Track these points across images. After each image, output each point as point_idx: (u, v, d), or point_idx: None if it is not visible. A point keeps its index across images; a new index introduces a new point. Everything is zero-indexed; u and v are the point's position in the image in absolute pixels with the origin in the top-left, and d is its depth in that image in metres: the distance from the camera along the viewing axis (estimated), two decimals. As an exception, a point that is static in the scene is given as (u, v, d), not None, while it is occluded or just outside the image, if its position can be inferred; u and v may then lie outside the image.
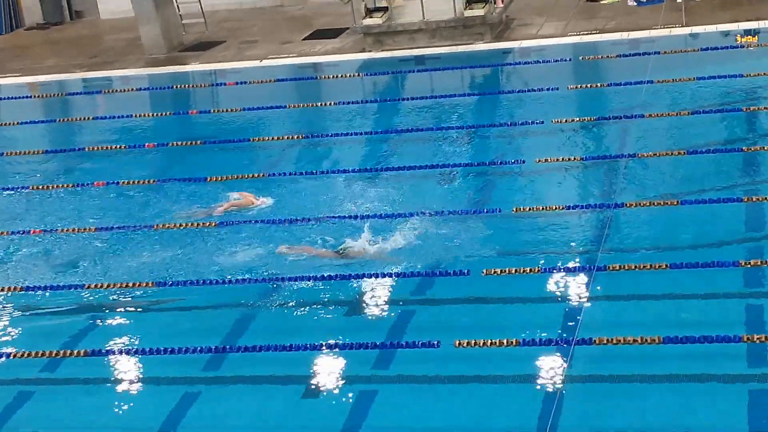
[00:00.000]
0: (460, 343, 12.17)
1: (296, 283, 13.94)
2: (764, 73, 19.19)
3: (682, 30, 22.58)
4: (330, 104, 21.11)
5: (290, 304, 13.59)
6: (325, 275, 13.97)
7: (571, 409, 10.99)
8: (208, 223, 15.92)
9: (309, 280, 13.93)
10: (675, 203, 14.81)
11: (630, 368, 11.55)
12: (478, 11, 23.70)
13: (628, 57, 21.57)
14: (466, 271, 13.71)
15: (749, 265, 13.03)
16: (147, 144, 19.77)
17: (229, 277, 14.26)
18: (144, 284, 14.30)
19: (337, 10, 26.38)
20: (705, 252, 13.48)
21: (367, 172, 17.38)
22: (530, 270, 13.55)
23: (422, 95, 20.91)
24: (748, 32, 21.69)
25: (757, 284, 12.83)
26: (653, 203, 14.88)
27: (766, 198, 14.68)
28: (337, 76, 22.80)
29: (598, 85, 20.25)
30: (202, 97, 23.60)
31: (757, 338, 11.59)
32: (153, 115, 21.88)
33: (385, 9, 24.53)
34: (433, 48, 23.74)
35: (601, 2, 25.77)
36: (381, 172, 17.37)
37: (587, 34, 23.29)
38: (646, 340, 11.75)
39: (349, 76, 22.79)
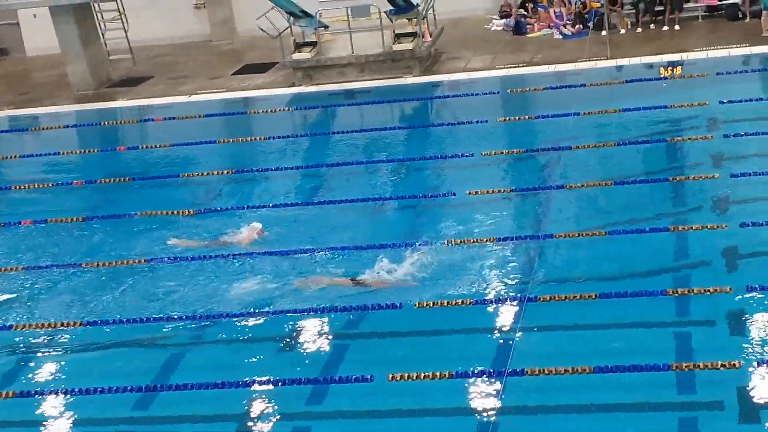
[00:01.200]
0: (393, 377, 12.16)
1: (227, 320, 13.85)
2: (688, 104, 19.55)
3: (607, 62, 22.95)
4: (260, 139, 21.10)
5: (221, 341, 13.50)
6: (255, 311, 13.91)
7: (504, 441, 11.05)
8: (137, 260, 15.76)
9: (240, 317, 13.85)
10: (603, 234, 14.97)
11: (562, 398, 11.61)
12: (406, 45, 23.89)
13: (555, 89, 21.86)
14: (398, 304, 13.72)
15: (677, 294, 13.21)
16: (75, 181, 19.56)
17: (160, 314, 14.11)
18: (73, 324, 14.10)
19: (267, 44, 26.40)
20: (633, 281, 13.64)
21: (298, 206, 17.35)
22: (462, 302, 13.60)
23: (353, 129, 20.97)
24: (671, 64, 22.10)
25: (685, 313, 13.00)
26: (582, 234, 15.04)
27: (692, 227, 14.90)
28: (267, 111, 22.80)
29: (527, 117, 20.49)
30: (130, 133, 23.43)
31: (686, 366, 11.74)
32: (81, 151, 21.70)
33: (314, 44, 24.63)
34: (362, 82, 23.87)
35: (528, 36, 26.13)
36: (312, 206, 17.34)
37: (515, 67, 23.56)
38: (578, 370, 11.84)
39: (279, 110, 22.80)
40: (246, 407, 12.07)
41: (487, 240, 15.23)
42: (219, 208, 17.56)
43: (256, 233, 16.08)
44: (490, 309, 13.47)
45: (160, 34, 29.64)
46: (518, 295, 13.59)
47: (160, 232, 16.77)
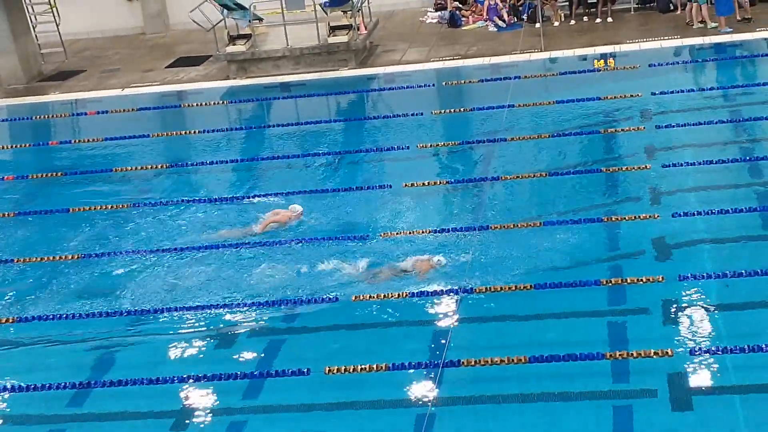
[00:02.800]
0: (330, 370, 12.17)
1: (161, 314, 13.75)
2: (621, 96, 19.73)
3: (540, 55, 23.09)
4: (195, 132, 20.93)
5: (155, 336, 13.39)
6: (191, 305, 13.83)
7: (441, 431, 11.08)
8: (71, 256, 15.58)
9: (174, 311, 13.75)
10: (538, 224, 15.08)
11: (498, 388, 11.70)
12: (341, 38, 23.83)
13: (490, 81, 21.94)
14: (335, 298, 13.72)
15: (611, 284, 13.35)
16: (6, 176, 19.27)
17: (93, 311, 13.98)
18: (4, 320, 13.90)
19: (201, 37, 26.19)
20: (568, 272, 13.75)
21: (235, 200, 17.26)
22: (399, 295, 13.63)
23: (288, 122, 20.86)
24: (604, 56, 22.29)
25: (619, 302, 13.13)
26: (517, 225, 15.12)
27: (625, 218, 15.05)
28: (201, 104, 22.61)
29: (462, 109, 20.55)
30: (62, 128, 23.12)
31: (620, 355, 11.87)
32: (12, 146, 21.35)
33: (248, 36, 24.48)
34: (297, 75, 23.78)
35: (463, 28, 26.21)
36: (247, 199, 17.25)
37: (450, 59, 23.62)
38: (513, 360, 11.92)
39: (214, 103, 22.63)
40: (181, 403, 12.00)
41: (422, 232, 15.26)
42: (154, 203, 17.38)
43: (295, 216, 16.02)
44: (426, 301, 13.51)
45: (92, 27, 29.28)
46: (454, 286, 13.64)
47: (93, 226, 16.59)
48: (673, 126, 18.09)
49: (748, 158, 16.64)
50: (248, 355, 12.90)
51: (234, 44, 24.21)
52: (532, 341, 12.47)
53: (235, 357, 12.89)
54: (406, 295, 13.61)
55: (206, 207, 17.03)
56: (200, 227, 16.24)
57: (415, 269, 14.11)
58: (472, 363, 12.00)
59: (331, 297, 13.73)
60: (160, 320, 13.67)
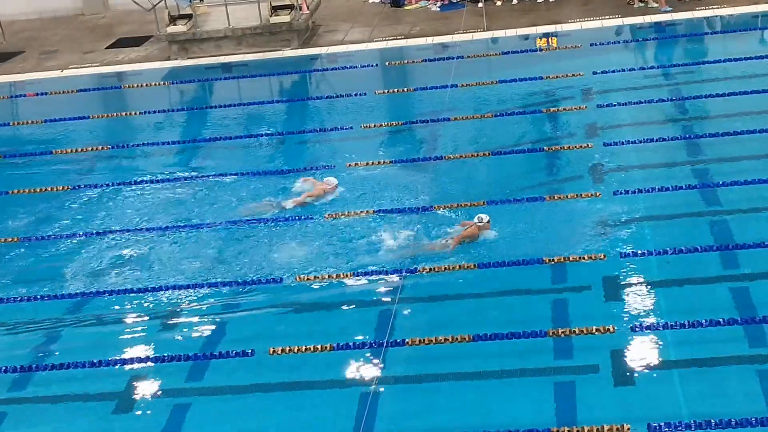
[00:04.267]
0: (274, 351, 12.15)
1: (103, 297, 13.64)
2: (563, 75, 19.83)
3: (483, 34, 23.12)
4: (135, 114, 20.73)
5: (97, 319, 13.28)
6: (133, 288, 13.73)
7: (387, 410, 11.12)
8: (11, 239, 15.43)
9: (116, 294, 13.65)
10: (482, 204, 15.12)
11: (443, 367, 11.74)
12: (283, 18, 23.69)
13: (433, 62, 21.94)
14: (279, 279, 13.68)
15: (553, 262, 13.44)
16: (-58, 159, 19.00)
17: (32, 294, 13.83)
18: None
19: (141, 18, 25.89)
20: (511, 250, 13.82)
21: (177, 181, 17.12)
22: (343, 275, 13.64)
23: (230, 103, 20.70)
24: (546, 36, 22.37)
25: (561, 280, 13.22)
26: (460, 205, 15.16)
27: (567, 196, 15.15)
28: (142, 85, 22.38)
29: (405, 89, 20.54)
30: (1, 110, 22.74)
31: (562, 332, 11.97)
32: (-51, 129, 21.01)
33: (189, 16, 24.23)
34: (240, 55, 23.59)
35: (406, 8, 26.14)
36: (190, 180, 17.12)
37: (393, 39, 23.57)
38: (457, 339, 11.98)
39: (155, 84, 22.40)
40: (125, 385, 11.92)
41: (366, 212, 15.25)
42: (94, 185, 17.19)
43: (330, 188, 15.96)
44: (370, 281, 13.52)
45: (29, 8, 28.76)
46: (398, 266, 13.66)
47: (33, 209, 16.39)
48: (615, 105, 18.22)
49: (688, 136, 16.81)
50: (192, 337, 12.82)
51: (175, 24, 23.95)
52: (475, 320, 12.52)
53: (178, 339, 12.82)
54: (350, 275, 13.62)
55: (145, 187, 16.88)
56: (144, 209, 16.12)
57: (465, 237, 14.09)
58: (416, 342, 12.05)
59: (274, 278, 13.70)
60: (103, 303, 13.57)
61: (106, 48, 25.36)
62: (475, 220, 14.20)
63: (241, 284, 13.71)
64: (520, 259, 13.49)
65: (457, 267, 13.50)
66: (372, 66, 22.20)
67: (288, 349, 12.14)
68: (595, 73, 19.76)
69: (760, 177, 14.94)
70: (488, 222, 14.18)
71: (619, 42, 21.88)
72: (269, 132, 19.06)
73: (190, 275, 14.05)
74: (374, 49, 23.14)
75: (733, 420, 10.31)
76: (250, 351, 12.20)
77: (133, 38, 25.80)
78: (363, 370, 11.84)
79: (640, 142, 16.63)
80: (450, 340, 11.99)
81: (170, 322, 13.20)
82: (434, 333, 12.13)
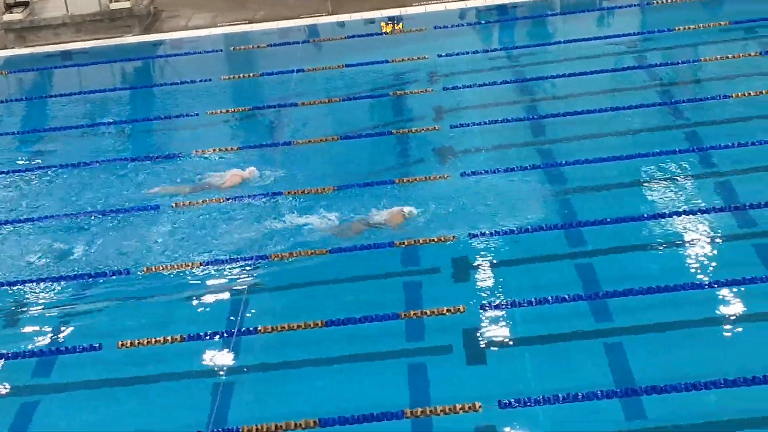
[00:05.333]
0: (123, 344, 11.93)
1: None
2: (408, 59, 19.93)
3: (328, 18, 23.06)
4: (-30, 104, 20.05)
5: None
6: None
7: (240, 399, 11.04)
8: None
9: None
10: (332, 189, 15.10)
11: (296, 354, 11.70)
12: (124, 3, 23.17)
13: (278, 46, 21.79)
14: (125, 271, 13.41)
15: (404, 245, 13.51)
16: None
17: None
18: None
19: (-26, 5, 24.97)
20: (362, 235, 13.84)
21: (18, 173, 16.62)
22: (191, 264, 13.44)
23: (72, 92, 20.15)
24: (391, 19, 22.45)
25: (412, 262, 13.31)
26: (310, 191, 15.10)
27: (416, 179, 15.25)
28: (-24, 75, 21.65)
29: (251, 75, 20.33)
30: None
31: (414, 314, 12.06)
32: None
33: (26, 4, 23.49)
34: (79, 42, 22.99)
35: (249, -8, 25.91)
36: (31, 171, 16.63)
37: (237, 24, 23.33)
38: (310, 325, 11.95)
39: (-9, 74, 21.70)
40: (-34, 387, 11.54)
41: (216, 200, 15.07)
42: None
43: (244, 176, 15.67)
44: (219, 269, 13.37)
45: None
46: (249, 254, 13.54)
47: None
48: (460, 87, 18.42)
49: (532, 117, 17.10)
50: (37, 333, 12.47)
51: (11, 12, 23.19)
52: (328, 305, 12.50)
53: (23, 335, 12.46)
54: (200, 264, 13.44)
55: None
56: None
57: (388, 222, 13.96)
58: (269, 330, 11.98)
59: (121, 270, 13.42)
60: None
61: (-62, 37, 24.41)
62: (405, 211, 14.17)
63: (87, 277, 13.38)
64: (372, 243, 13.53)
65: (310, 252, 13.45)
66: (216, 51, 21.92)
67: (137, 342, 11.93)
68: (440, 56, 19.93)
69: (600, 155, 15.32)
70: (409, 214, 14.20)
71: (463, 25, 22.10)
72: (113, 120, 18.64)
73: (33, 269, 13.66)
74: (218, 34, 22.85)
75: (580, 394, 10.56)
76: (98, 345, 11.95)
77: (-34, 26, 24.88)
78: (215, 360, 11.72)
79: (486, 123, 16.85)
80: (303, 326, 11.95)
81: (14, 318, 12.82)
82: (287, 320, 12.08)
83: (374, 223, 14.10)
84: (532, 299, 12.11)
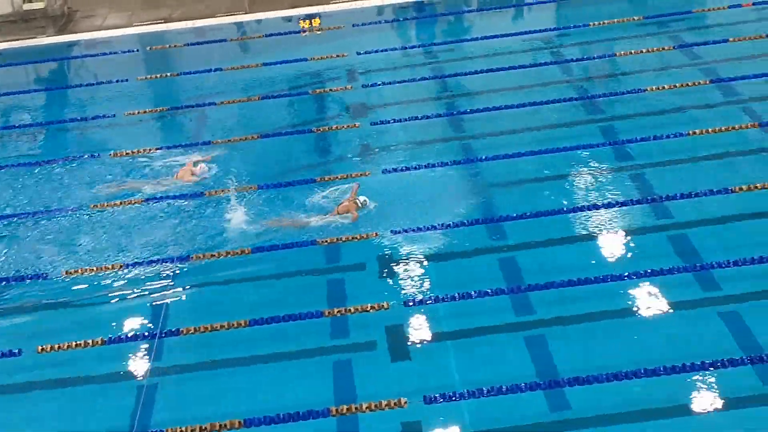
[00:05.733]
0: (43, 349, 11.76)
1: None
2: (327, 56, 19.91)
3: (246, 17, 22.95)
4: None
5: None
6: None
7: (163, 401, 10.96)
8: None
9: None
10: (253, 188, 15.02)
11: (219, 354, 11.63)
12: (38, 4, 22.87)
13: (196, 45, 21.62)
14: (44, 274, 13.20)
15: (326, 243, 13.51)
16: None
17: None
18: None
19: None
20: (283, 233, 13.79)
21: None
22: (112, 267, 13.28)
23: (-16, 94, 19.84)
24: (309, 17, 22.41)
25: (336, 260, 13.30)
26: (232, 190, 14.99)
27: (338, 176, 15.23)
28: None
29: (168, 74, 20.14)
30: None
31: (338, 311, 12.05)
32: None
33: (-65, 4, 23.04)
34: (-8, 44, 22.61)
35: (166, -8, 25.67)
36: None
37: (153, 23, 23.09)
38: (234, 325, 11.89)
39: None
40: None
41: (133, 202, 14.90)
42: None
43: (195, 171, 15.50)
44: (142, 271, 13.22)
45: None
46: (171, 255, 13.42)
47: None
48: (380, 84, 18.45)
49: (451, 113, 17.18)
50: (-47, 340, 12.24)
51: None
52: (251, 304, 12.45)
53: (-62, 343, 12.22)
54: (121, 266, 13.28)
55: None
56: None
57: (339, 212, 13.98)
58: (191, 331, 11.90)
59: (39, 273, 13.21)
60: None
61: None
62: (360, 201, 14.10)
63: (4, 282, 13.15)
64: (292, 242, 13.49)
65: (232, 253, 13.38)
66: (132, 51, 21.68)
67: (57, 346, 11.77)
68: (359, 53, 19.94)
69: (518, 150, 15.46)
70: (363, 203, 14.17)
71: (381, 22, 22.15)
72: (28, 122, 18.33)
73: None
74: (134, 34, 22.60)
75: (504, 386, 10.65)
76: (17, 351, 11.76)
77: None
78: (136, 362, 11.60)
79: (406, 120, 16.91)
80: (226, 326, 11.89)
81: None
82: (209, 320, 12.00)
83: (330, 216, 14.04)
84: (455, 294, 12.19)
